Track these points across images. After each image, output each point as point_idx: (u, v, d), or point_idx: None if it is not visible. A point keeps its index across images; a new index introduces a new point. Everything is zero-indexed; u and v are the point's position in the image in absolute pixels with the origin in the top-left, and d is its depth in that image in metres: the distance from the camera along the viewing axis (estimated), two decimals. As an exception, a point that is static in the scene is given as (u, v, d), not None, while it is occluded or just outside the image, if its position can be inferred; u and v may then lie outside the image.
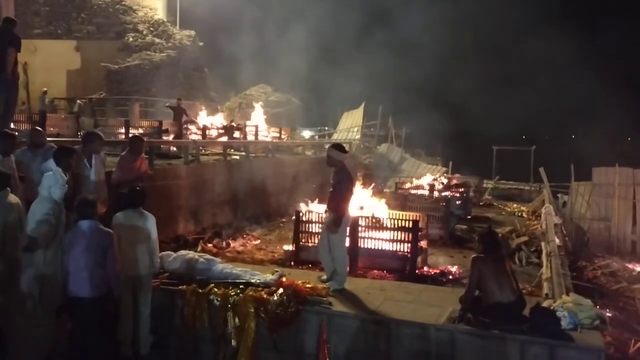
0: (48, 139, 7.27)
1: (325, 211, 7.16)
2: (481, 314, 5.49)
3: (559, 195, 16.70)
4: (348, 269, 7.12)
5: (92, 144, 6.76)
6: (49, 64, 24.81)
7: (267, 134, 18.25)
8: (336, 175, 6.79)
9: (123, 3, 29.17)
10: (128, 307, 5.93)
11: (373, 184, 10.70)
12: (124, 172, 7.20)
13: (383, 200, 9.38)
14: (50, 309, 5.47)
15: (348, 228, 7.22)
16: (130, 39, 27.42)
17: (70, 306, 5.31)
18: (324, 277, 6.90)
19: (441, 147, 28.13)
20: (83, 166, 6.60)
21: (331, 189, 6.84)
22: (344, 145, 7.58)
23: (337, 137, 26.54)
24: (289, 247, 8.82)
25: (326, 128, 31.42)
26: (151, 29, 28.64)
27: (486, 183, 20.22)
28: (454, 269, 8.49)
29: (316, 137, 28.93)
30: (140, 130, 12.72)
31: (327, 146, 7.70)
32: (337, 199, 6.71)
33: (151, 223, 6.07)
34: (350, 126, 26.33)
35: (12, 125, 9.27)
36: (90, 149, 6.71)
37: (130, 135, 11.25)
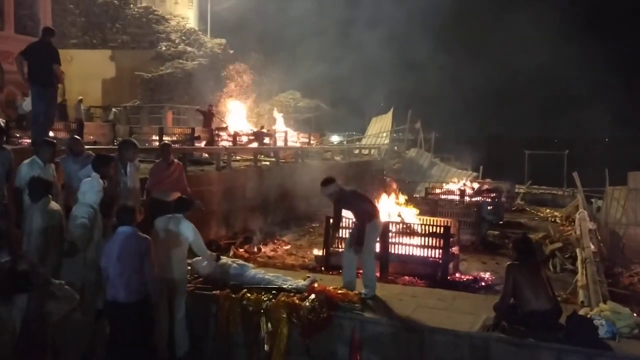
0: (85, 146, 7.49)
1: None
2: (516, 321, 5.43)
3: (593, 200, 16.34)
4: (378, 274, 7.11)
5: (127, 152, 6.93)
6: (84, 73, 25.45)
7: (296, 139, 18.39)
8: (339, 203, 6.68)
9: (156, 13, 29.83)
10: (163, 311, 6.06)
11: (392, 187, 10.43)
12: (154, 179, 7.35)
13: (411, 207, 9.33)
14: (89, 312, 5.63)
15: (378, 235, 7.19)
16: (163, 48, 27.99)
17: (109, 310, 5.45)
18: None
19: (471, 152, 27.85)
20: (119, 173, 6.77)
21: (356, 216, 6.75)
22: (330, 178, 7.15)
23: (365, 142, 26.54)
24: (319, 252, 8.86)
25: (354, 133, 31.46)
26: (183, 37, 29.20)
27: (518, 188, 19.94)
28: (486, 275, 8.42)
29: (345, 142, 28.98)
30: (174, 137, 12.96)
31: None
32: (362, 218, 6.66)
33: (189, 229, 6.19)
34: (379, 131, 26.30)
35: (50, 134, 9.54)
36: (126, 156, 6.88)
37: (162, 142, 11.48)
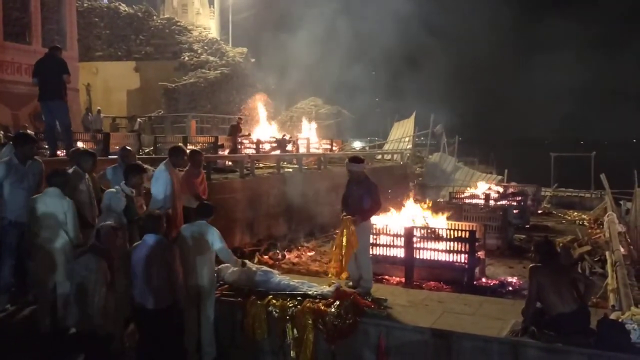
0: (111, 157, 7.61)
1: (355, 221, 6.76)
2: (545, 326, 5.36)
3: (621, 202, 16.00)
4: (403, 280, 7.07)
5: (176, 158, 6.97)
6: (110, 84, 25.98)
7: (319, 146, 18.43)
8: (361, 186, 6.78)
9: (179, 24, 30.30)
10: (192, 317, 6.13)
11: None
12: (189, 187, 7.42)
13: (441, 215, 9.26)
14: (118, 322, 5.70)
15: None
16: (186, 58, 28.40)
17: (137, 317, 5.53)
18: (350, 283, 7.01)
19: (495, 155, 27.53)
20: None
21: (362, 200, 6.76)
22: (362, 156, 7.54)
23: (388, 147, 26.45)
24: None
25: (376, 139, 31.42)
26: (205, 47, 29.59)
27: (544, 191, 19.64)
28: (513, 279, 8.29)
29: (367, 148, 28.93)
30: (198, 146, 13.09)
31: (377, 158, 7.67)
32: (374, 209, 6.83)
33: (214, 235, 6.22)
34: (401, 136, 26.19)
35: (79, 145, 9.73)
36: (174, 163, 6.96)
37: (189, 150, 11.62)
